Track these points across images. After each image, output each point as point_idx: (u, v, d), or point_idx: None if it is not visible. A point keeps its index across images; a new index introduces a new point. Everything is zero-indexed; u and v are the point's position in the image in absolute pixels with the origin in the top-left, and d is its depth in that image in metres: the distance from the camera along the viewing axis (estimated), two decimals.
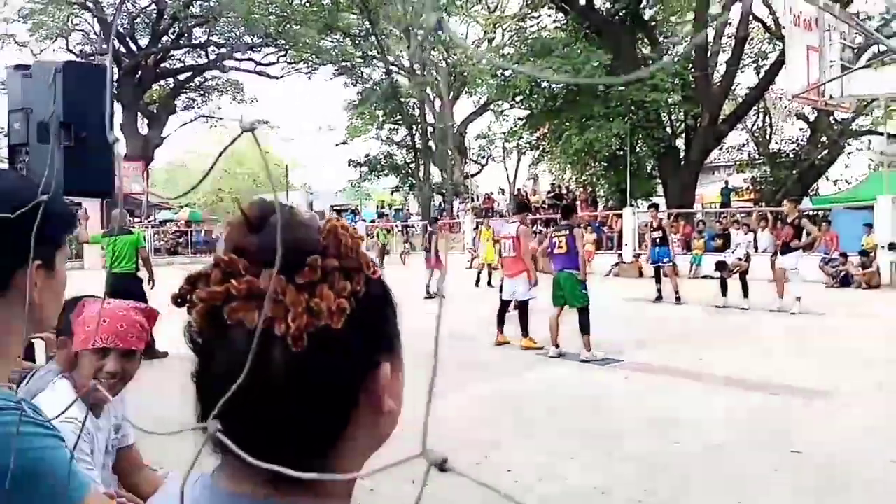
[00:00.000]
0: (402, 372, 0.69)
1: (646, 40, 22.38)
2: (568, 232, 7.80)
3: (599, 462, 4.33)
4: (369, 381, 0.63)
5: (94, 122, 3.01)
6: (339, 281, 0.61)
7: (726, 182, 27.13)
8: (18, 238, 0.91)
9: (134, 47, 30.45)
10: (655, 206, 15.48)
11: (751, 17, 21.62)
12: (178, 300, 0.63)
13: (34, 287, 1.00)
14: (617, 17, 22.12)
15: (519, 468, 4.21)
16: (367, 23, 28.57)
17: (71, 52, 30.80)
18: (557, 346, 7.75)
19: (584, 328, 7.49)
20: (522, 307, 8.32)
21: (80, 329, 1.77)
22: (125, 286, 6.99)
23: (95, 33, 30.59)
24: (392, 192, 35.48)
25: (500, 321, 8.61)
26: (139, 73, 29.18)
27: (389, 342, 0.67)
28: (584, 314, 7.50)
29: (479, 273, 16.99)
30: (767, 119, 27.23)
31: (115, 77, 27.94)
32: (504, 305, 8.72)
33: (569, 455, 4.45)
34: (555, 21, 25.54)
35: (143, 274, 7.78)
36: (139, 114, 30.39)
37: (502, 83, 23.15)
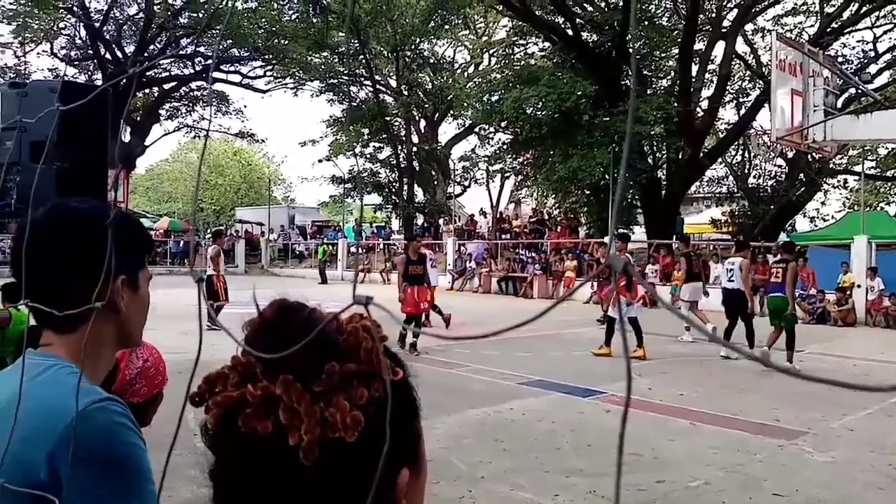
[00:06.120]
0: (423, 474, 0.68)
1: (630, 72, 22.71)
2: (784, 266, 9.31)
3: (582, 501, 4.32)
4: (386, 489, 0.61)
5: (89, 144, 2.98)
6: (357, 388, 0.60)
7: (679, 213, 27.15)
8: (113, 255, 0.94)
9: (120, 54, 30.23)
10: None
11: (733, 56, 22.07)
12: (196, 400, 0.63)
13: (121, 300, 1.11)
14: (603, 49, 22.44)
15: None
16: (355, 42, 28.70)
17: (55, 55, 30.54)
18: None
19: (790, 343, 9.03)
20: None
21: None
22: None
23: (80, 38, 30.36)
24: (375, 210, 35.44)
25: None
26: (124, 80, 28.95)
27: (409, 448, 0.66)
28: (791, 333, 9.09)
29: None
30: (747, 154, 27.68)
31: (99, 83, 27.70)
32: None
33: (552, 492, 4.43)
34: (541, 50, 25.85)
35: None
36: (122, 121, 30.13)
37: (488, 108, 23.34)
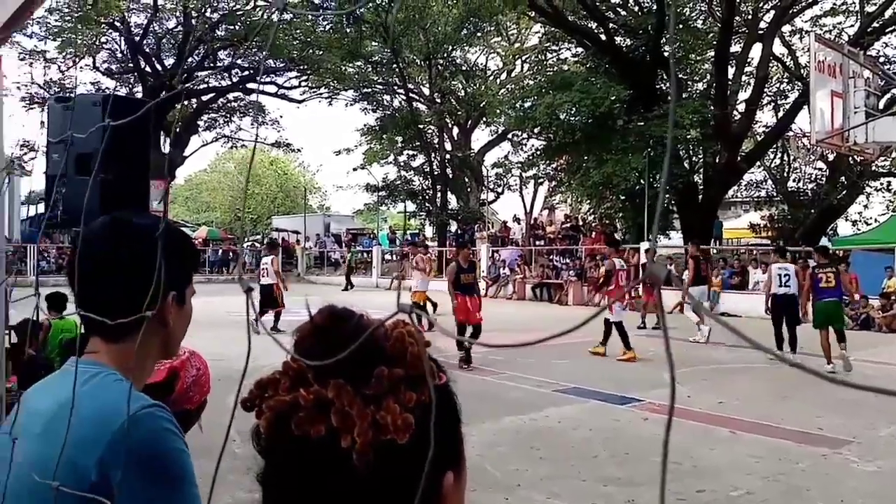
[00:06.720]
0: (464, 478, 0.69)
1: (665, 76, 22.45)
2: (835, 270, 9.46)
3: None
4: (432, 492, 0.62)
5: (132, 156, 3.05)
6: (405, 392, 0.61)
7: (717, 216, 26.43)
8: (167, 269, 0.98)
9: (159, 67, 30.90)
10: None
11: (770, 58, 21.70)
12: (248, 404, 0.65)
13: (170, 315, 1.15)
14: (636, 54, 22.26)
15: None
16: (388, 51, 28.91)
17: (97, 69, 31.30)
18: (831, 363, 9.08)
19: (842, 338, 9.21)
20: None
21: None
22: None
23: (122, 52, 31.09)
24: (408, 218, 35.59)
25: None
26: (163, 92, 29.65)
27: (453, 451, 0.68)
28: (843, 331, 9.32)
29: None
30: (786, 158, 27.17)
31: (140, 95, 28.34)
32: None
33: (588, 501, 4.40)
34: (574, 55, 25.73)
35: None
36: (162, 132, 30.76)
37: (521, 114, 23.29)
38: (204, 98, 33.99)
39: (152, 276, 0.96)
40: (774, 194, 27.48)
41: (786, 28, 22.74)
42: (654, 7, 21.06)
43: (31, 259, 24.13)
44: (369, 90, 32.38)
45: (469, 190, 32.63)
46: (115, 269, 1.13)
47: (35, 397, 1.14)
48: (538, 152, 25.95)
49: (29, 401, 1.13)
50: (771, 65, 22.55)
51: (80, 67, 30.62)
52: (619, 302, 10.36)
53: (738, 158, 21.47)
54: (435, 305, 13.28)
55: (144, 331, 1.03)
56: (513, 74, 33.61)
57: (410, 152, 32.58)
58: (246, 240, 38.01)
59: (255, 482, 0.66)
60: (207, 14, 29.42)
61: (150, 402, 1.07)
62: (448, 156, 32.00)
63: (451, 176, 31.87)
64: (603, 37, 21.93)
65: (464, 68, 33.38)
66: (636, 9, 23.63)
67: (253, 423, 0.64)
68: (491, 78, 35.14)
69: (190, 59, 31.20)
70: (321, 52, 29.37)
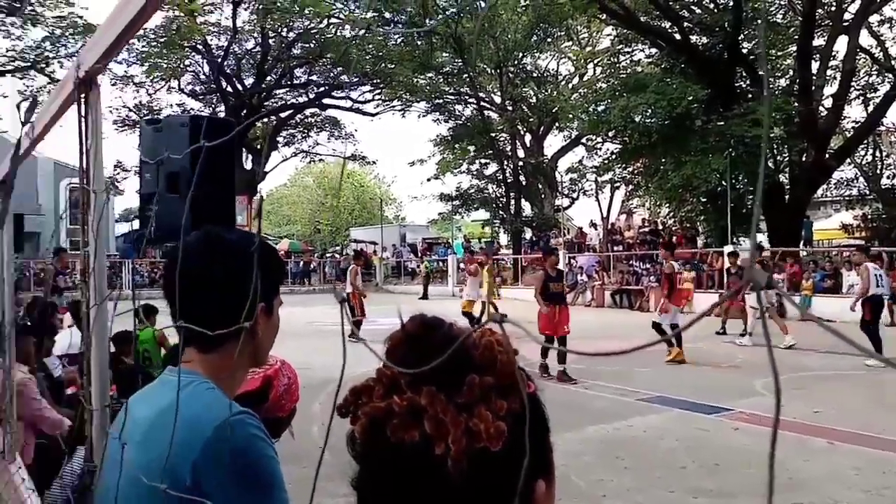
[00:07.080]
0: (553, 487, 0.69)
1: (744, 74, 21.73)
2: None
3: None
4: (525, 500, 0.62)
5: (219, 174, 3.17)
6: (495, 400, 0.62)
7: (807, 216, 24.93)
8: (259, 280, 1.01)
9: (240, 87, 32.08)
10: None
11: (857, 50, 20.68)
12: (343, 411, 0.66)
13: (259, 326, 1.18)
14: (713, 52, 21.62)
15: None
16: (459, 61, 29.09)
17: (182, 91, 32.77)
18: None
19: None
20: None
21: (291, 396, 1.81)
22: None
23: (205, 73, 32.46)
24: (483, 226, 35.62)
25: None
26: (244, 111, 30.77)
27: (543, 460, 0.68)
28: None
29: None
30: (878, 154, 25.81)
31: (222, 115, 29.50)
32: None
33: None
34: (648, 56, 25.22)
35: None
36: (244, 149, 31.90)
37: (594, 118, 22.96)
38: (283, 115, 35.08)
39: (243, 291, 0.99)
40: (867, 192, 26.11)
41: (873, 18, 21.64)
42: (731, 3, 20.42)
43: (126, 273, 25.46)
44: (441, 101, 32.64)
45: (543, 196, 32.37)
46: (209, 286, 1.17)
47: (136, 406, 1.20)
48: (613, 156, 25.51)
49: (132, 410, 1.19)
50: (858, 57, 21.47)
51: (168, 90, 32.17)
52: (677, 306, 10.34)
53: (826, 156, 20.50)
54: (481, 315, 13.22)
55: (235, 342, 1.08)
56: (585, 78, 33.22)
57: (483, 161, 32.63)
58: (327, 250, 38.90)
59: (347, 487, 0.67)
60: (284, 34, 30.37)
61: (239, 409, 1.10)
62: (521, 163, 31.88)
63: (524, 183, 31.72)
64: (677, 36, 21.39)
65: (535, 74, 33.21)
66: (711, 6, 22.97)
67: (348, 429, 0.66)
68: (562, 83, 34.83)
69: (268, 78, 32.26)
70: (393, 66, 29.86)
